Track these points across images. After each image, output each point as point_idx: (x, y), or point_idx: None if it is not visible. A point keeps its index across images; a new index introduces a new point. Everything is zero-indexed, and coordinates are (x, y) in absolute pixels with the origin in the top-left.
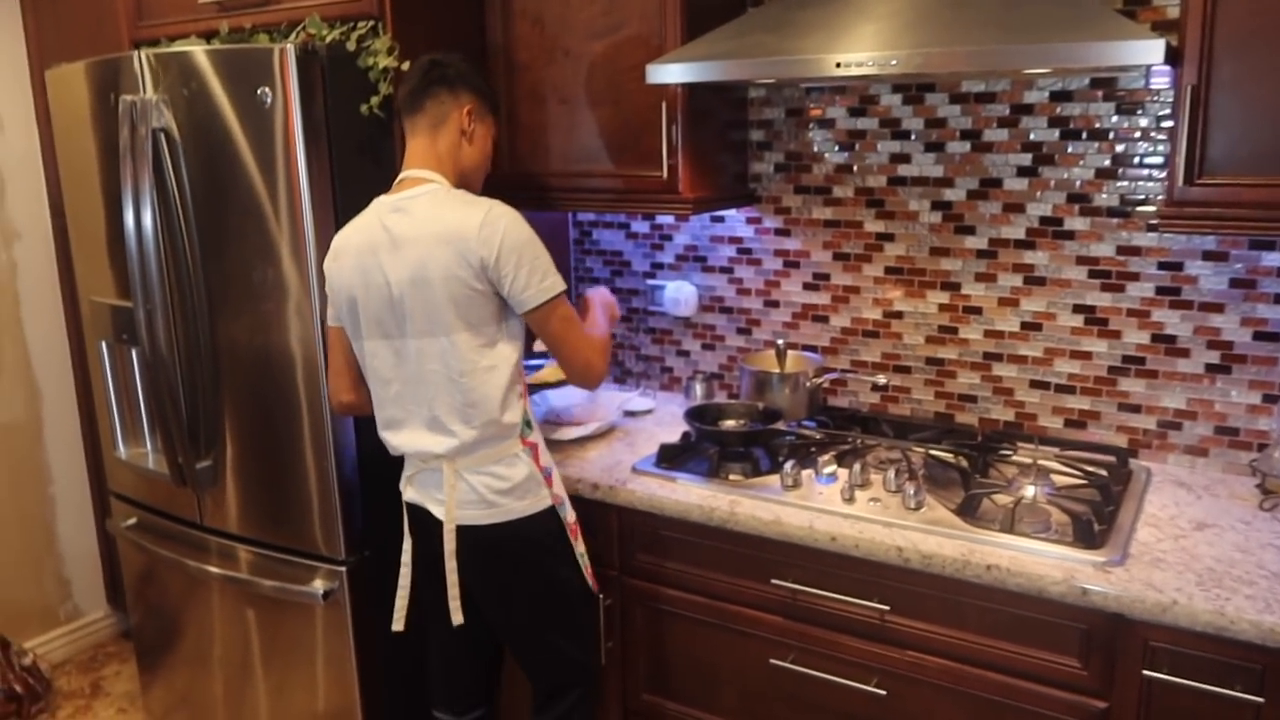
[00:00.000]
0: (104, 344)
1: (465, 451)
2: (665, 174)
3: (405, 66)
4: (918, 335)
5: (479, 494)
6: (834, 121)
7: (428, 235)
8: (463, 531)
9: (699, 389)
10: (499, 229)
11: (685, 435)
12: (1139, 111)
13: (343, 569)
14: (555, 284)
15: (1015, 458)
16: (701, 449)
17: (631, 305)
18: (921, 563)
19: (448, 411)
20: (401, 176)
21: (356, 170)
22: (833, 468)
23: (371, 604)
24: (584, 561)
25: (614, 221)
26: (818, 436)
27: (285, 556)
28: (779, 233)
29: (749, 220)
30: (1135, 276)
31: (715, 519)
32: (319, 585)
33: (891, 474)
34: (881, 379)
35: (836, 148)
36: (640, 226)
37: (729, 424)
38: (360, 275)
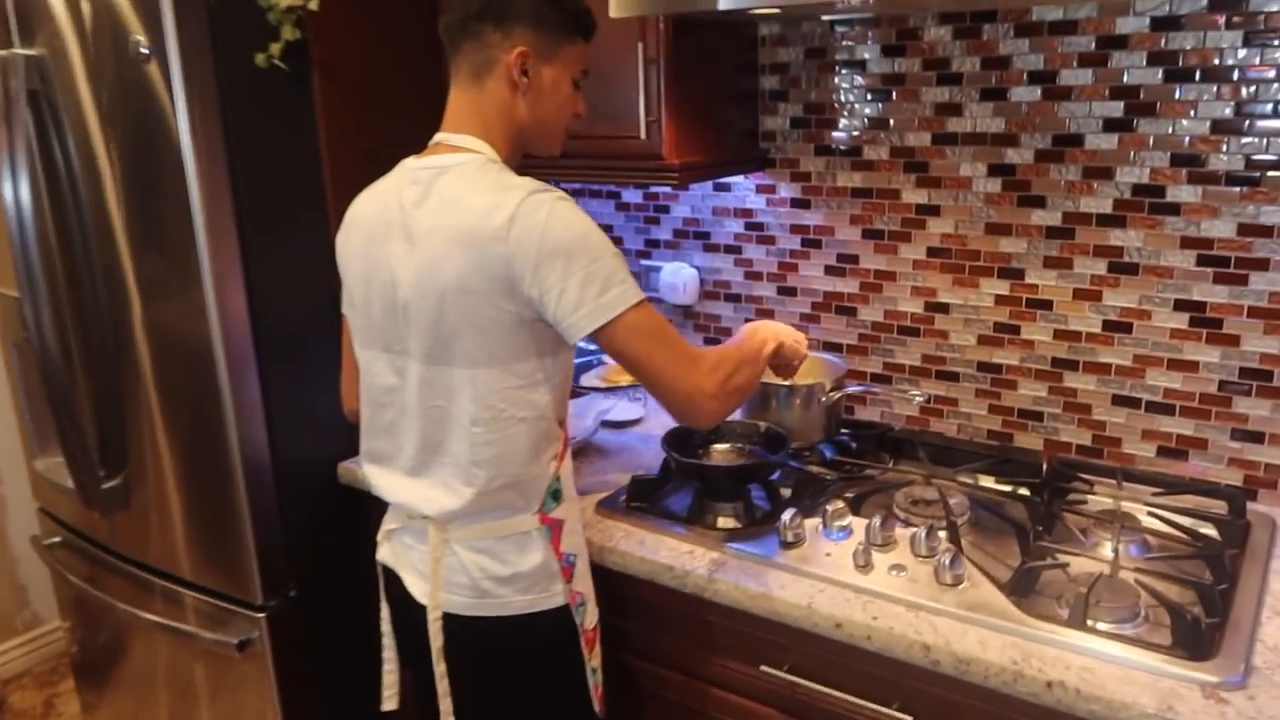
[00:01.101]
0: (15, 343)
1: (462, 517)
2: (643, 134)
3: (314, 4)
4: (968, 334)
5: (470, 576)
6: (865, 63)
7: (443, 230)
8: (445, 619)
9: None
10: (535, 225)
11: (667, 462)
12: (1277, 43)
13: (261, 615)
14: (624, 295)
15: (1092, 498)
16: (686, 482)
17: None
18: (956, 669)
19: (449, 463)
20: (434, 140)
21: (264, 138)
22: (847, 519)
23: (300, 654)
24: (595, 679)
25: (601, 190)
26: (829, 477)
27: (200, 596)
28: (796, 204)
29: (760, 189)
30: (1263, 265)
31: (689, 586)
32: (234, 634)
33: (923, 534)
34: (917, 394)
35: (868, 97)
36: (632, 196)
37: (720, 449)
38: (365, 264)
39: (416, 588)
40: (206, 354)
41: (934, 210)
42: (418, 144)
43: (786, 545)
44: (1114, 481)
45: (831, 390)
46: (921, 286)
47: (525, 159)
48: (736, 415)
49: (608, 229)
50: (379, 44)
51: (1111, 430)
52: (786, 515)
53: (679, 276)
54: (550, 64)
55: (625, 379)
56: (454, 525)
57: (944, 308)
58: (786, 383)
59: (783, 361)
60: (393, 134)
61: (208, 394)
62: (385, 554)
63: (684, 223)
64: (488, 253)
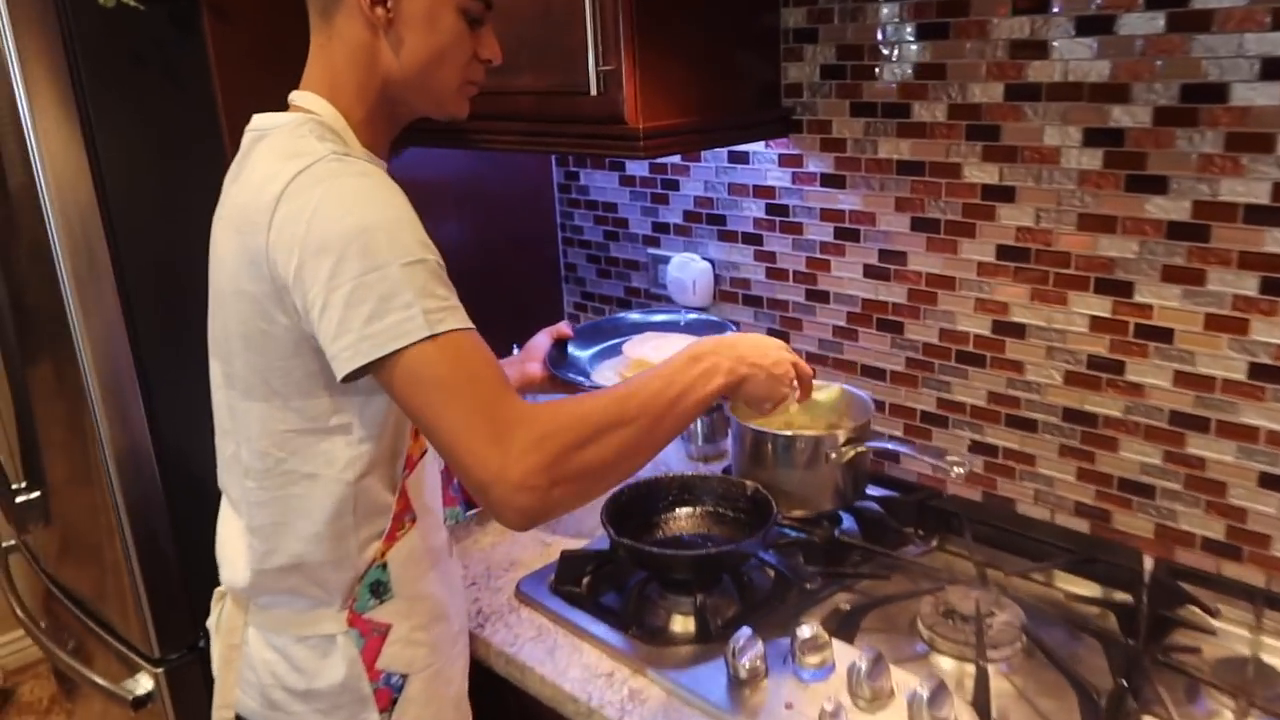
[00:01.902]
0: None
1: (255, 597)
2: (593, 87)
3: None
4: (1051, 369)
5: (259, 679)
6: None
7: (228, 211)
8: None
9: (699, 423)
10: (304, 207)
11: None
12: None
13: (160, 670)
14: (405, 324)
15: (1219, 628)
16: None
17: (630, 284)
18: None
19: (245, 523)
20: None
21: (137, 101)
22: (825, 652)
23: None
24: None
25: (605, 158)
26: (826, 571)
27: (109, 639)
28: (828, 181)
29: (783, 160)
30: None
31: None
32: (130, 687)
33: (924, 695)
34: (959, 466)
35: (917, 35)
36: (637, 168)
37: (685, 515)
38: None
39: (216, 670)
40: (64, 368)
41: (1007, 194)
42: None
43: (737, 682)
44: (1250, 607)
45: (848, 443)
46: (989, 299)
47: (425, 125)
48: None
49: (611, 209)
50: None
51: (1255, 523)
52: (740, 638)
53: (688, 271)
54: None
55: None
56: (253, 605)
57: (1018, 330)
58: (787, 431)
59: (749, 400)
60: None
61: (77, 390)
62: (213, 620)
63: (695, 203)
64: (252, 242)
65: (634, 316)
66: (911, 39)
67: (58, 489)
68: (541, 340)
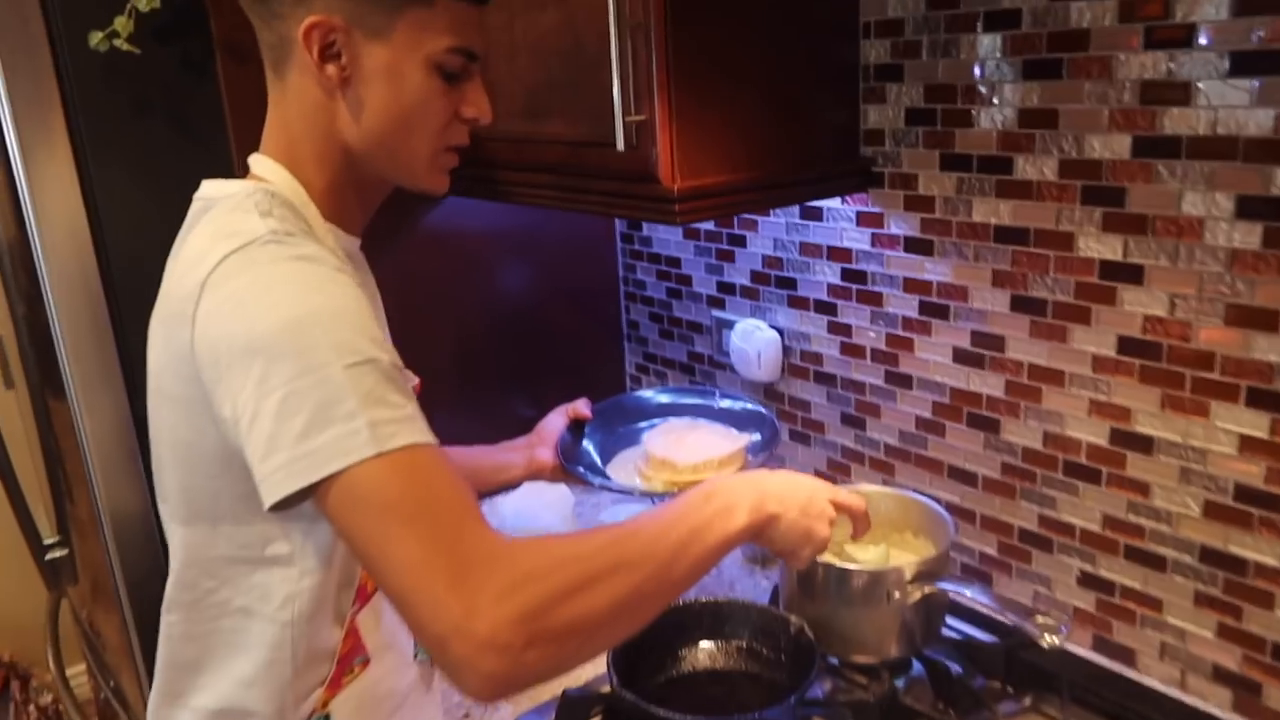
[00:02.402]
0: None
1: None
2: (620, 140)
3: None
4: (1185, 495)
5: None
6: (1019, 13)
7: (160, 297)
8: None
9: None
10: (229, 298)
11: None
12: None
13: None
14: (348, 438)
15: None
16: None
17: (693, 348)
18: None
19: (164, 658)
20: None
21: (132, 145)
22: None
23: None
24: None
25: None
26: None
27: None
28: (912, 246)
29: (862, 219)
30: None
31: None
32: None
33: None
34: (1053, 633)
35: (1022, 73)
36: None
37: (706, 650)
38: None
39: None
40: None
41: (1133, 273)
42: None
43: None
44: None
45: (916, 580)
46: (1106, 402)
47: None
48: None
49: (674, 263)
50: None
51: None
52: None
53: (753, 341)
54: (381, 41)
55: (726, 471)
56: None
57: (1144, 443)
58: (846, 563)
59: (781, 547)
60: None
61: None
62: None
63: (764, 263)
64: (177, 337)
65: (661, 397)
66: (1016, 78)
67: (82, 541)
68: (555, 421)
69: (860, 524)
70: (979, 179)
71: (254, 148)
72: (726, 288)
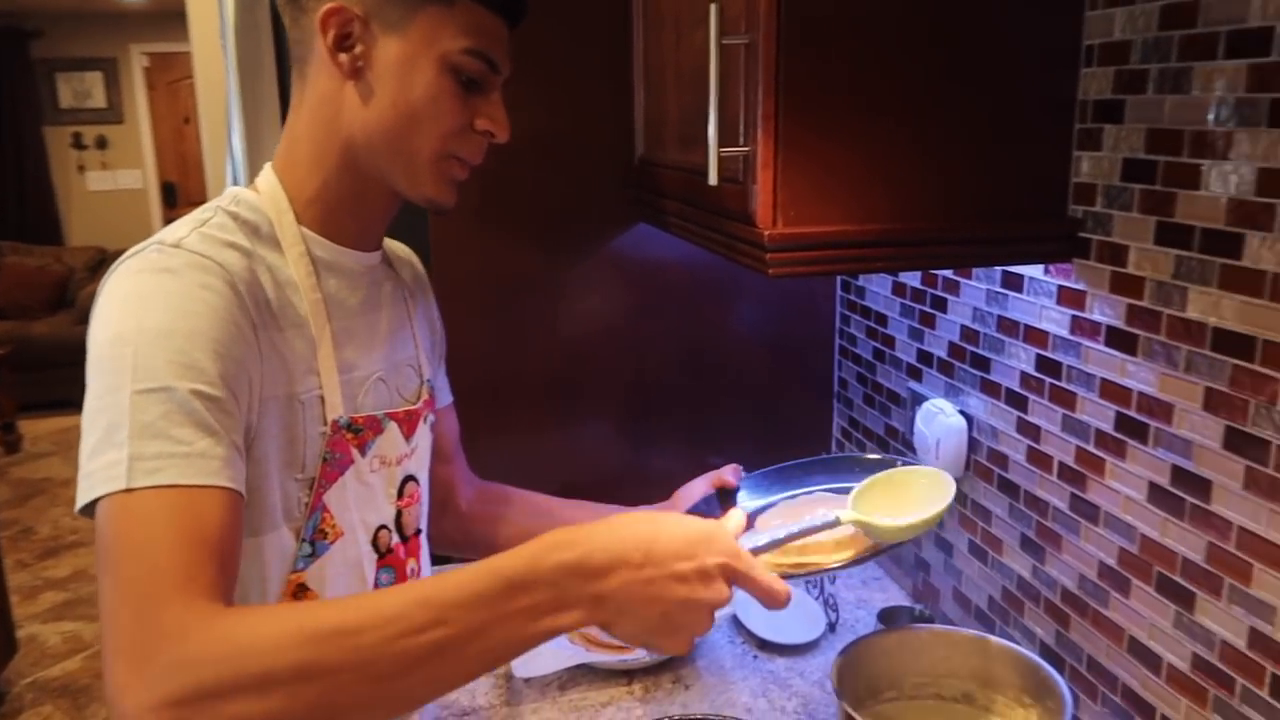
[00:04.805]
0: None
1: None
2: (712, 173)
3: None
4: None
5: None
6: (1269, 35)
7: None
8: None
9: None
10: (96, 306)
11: None
12: None
13: None
14: (112, 467)
15: None
16: None
17: (889, 421)
18: None
19: None
20: None
21: None
22: None
23: None
24: None
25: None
26: None
27: None
28: (1114, 340)
29: (1063, 296)
30: None
31: None
32: None
33: None
34: None
35: (1270, 117)
36: (908, 275)
37: None
38: None
39: None
40: None
41: None
42: None
43: None
44: None
45: None
46: None
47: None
48: None
49: (882, 321)
50: None
51: None
52: None
53: (935, 426)
54: (397, 35)
55: (838, 556)
56: None
57: None
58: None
59: (634, 641)
60: None
61: None
62: None
63: (962, 334)
64: None
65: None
66: (1258, 123)
67: None
68: (696, 488)
69: (770, 599)
70: (1199, 260)
71: None
72: (925, 357)
